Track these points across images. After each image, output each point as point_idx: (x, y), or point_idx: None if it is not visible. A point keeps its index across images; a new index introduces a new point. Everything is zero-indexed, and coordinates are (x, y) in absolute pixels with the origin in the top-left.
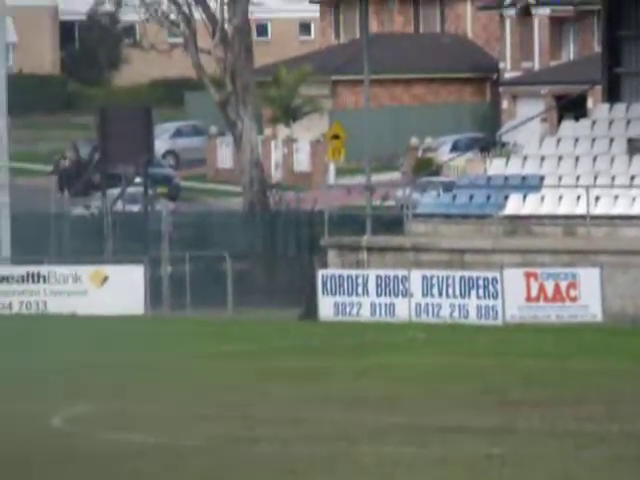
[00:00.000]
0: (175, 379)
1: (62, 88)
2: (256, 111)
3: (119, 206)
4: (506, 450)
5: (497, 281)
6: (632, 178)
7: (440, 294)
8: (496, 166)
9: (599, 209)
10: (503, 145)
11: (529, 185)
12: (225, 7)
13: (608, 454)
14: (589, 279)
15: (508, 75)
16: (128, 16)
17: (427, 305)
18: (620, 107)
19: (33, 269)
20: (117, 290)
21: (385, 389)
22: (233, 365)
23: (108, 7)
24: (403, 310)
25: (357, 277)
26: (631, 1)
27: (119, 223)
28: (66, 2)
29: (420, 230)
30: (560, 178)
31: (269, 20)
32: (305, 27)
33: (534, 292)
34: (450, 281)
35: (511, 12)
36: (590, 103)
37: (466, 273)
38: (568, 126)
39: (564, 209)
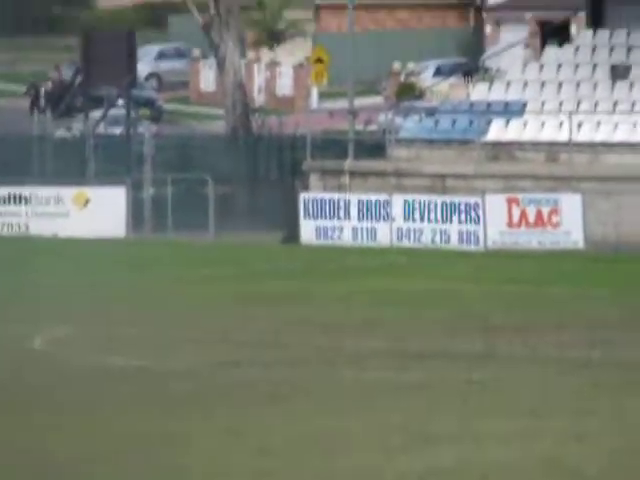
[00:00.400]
0: (157, 302)
1: (45, 10)
2: (239, 34)
3: (101, 128)
4: (486, 375)
5: (479, 206)
6: (615, 104)
7: (422, 219)
8: (479, 91)
9: (582, 135)
10: (486, 70)
11: (512, 110)
12: None
13: (589, 380)
14: (571, 205)
15: (492, 0)
16: None
17: (409, 230)
18: (604, 33)
19: (15, 190)
20: (99, 212)
21: (366, 313)
22: (215, 289)
23: None
24: (384, 234)
25: (339, 201)
26: None
27: (101, 145)
28: None
29: (402, 155)
30: (543, 104)
31: None
32: None
33: (516, 218)
34: (432, 206)
35: None
36: (574, 29)
37: (448, 198)
38: (551, 52)
39: (546, 135)
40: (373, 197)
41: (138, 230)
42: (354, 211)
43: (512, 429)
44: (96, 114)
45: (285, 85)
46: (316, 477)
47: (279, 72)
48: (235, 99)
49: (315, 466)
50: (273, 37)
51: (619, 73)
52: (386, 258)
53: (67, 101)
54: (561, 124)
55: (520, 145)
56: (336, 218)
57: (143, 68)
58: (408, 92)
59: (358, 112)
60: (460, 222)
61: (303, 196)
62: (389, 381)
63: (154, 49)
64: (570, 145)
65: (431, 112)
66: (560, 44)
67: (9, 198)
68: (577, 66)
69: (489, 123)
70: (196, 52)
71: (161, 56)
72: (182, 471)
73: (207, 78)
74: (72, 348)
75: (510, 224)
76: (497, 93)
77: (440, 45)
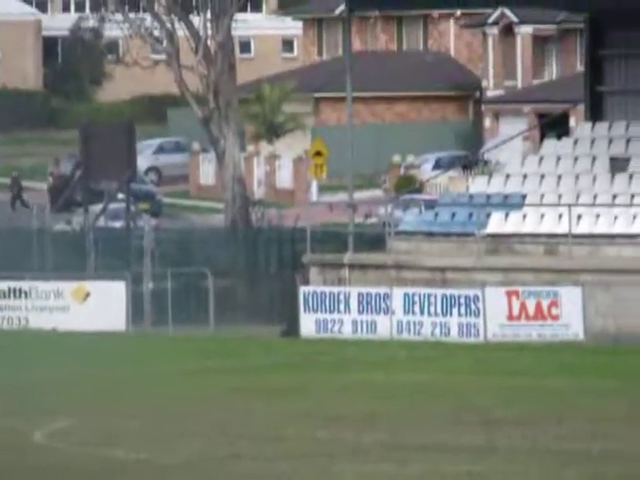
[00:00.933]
0: (156, 395)
1: (45, 104)
2: (239, 128)
3: (101, 222)
4: (487, 468)
5: (479, 299)
6: (614, 197)
7: (422, 312)
8: (478, 184)
9: (581, 228)
10: (485, 163)
11: (511, 203)
12: (208, 24)
13: (589, 473)
14: (571, 298)
15: (491, 93)
16: (111, 32)
17: (409, 323)
18: (602, 126)
19: (15, 284)
20: (99, 306)
21: (366, 406)
22: (214, 382)
23: (91, 23)
24: (384, 327)
25: (339, 294)
26: (613, 20)
27: (101, 239)
28: (49, 18)
29: (402, 248)
30: (542, 196)
31: (252, 37)
32: (288, 44)
33: (516, 310)
34: (432, 299)
35: (494, 30)
36: (572, 122)
37: (448, 291)
38: (550, 144)
39: (546, 227)
40: (373, 290)
41: (138, 324)
42: (354, 304)
43: None
44: (96, 208)
45: (285, 178)
46: None
47: (278, 165)
48: (235, 192)
49: None
50: (272, 130)
51: (618, 165)
52: (386, 351)
53: (67, 195)
54: (560, 216)
55: (520, 238)
56: (336, 311)
57: (143, 162)
58: (407, 185)
59: (358, 205)
60: (460, 315)
61: (303, 289)
62: (389, 474)
63: (154, 143)
64: (569, 237)
65: (431, 205)
66: (559, 137)
67: (9, 292)
68: (576, 159)
69: (488, 216)
70: (196, 146)
71: (161, 150)
72: None
73: (207, 172)
74: (72, 441)
75: (510, 317)
76: (496, 186)
77: (439, 138)
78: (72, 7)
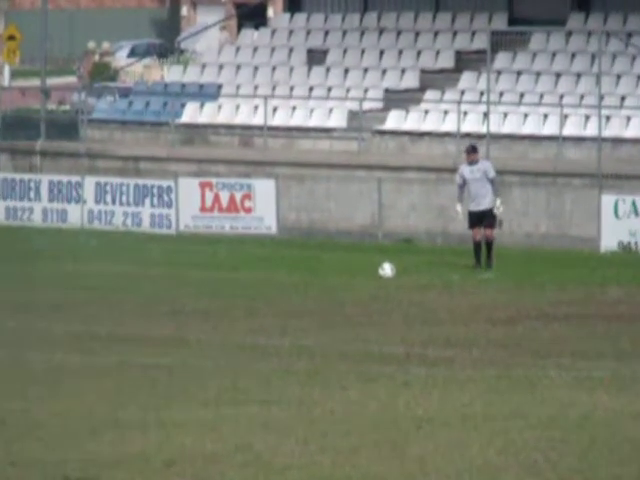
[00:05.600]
0: None
1: None
2: None
3: None
4: (176, 361)
5: (172, 190)
6: (310, 89)
7: (114, 201)
8: (174, 73)
9: (277, 120)
10: (181, 52)
11: (206, 93)
12: None
13: (279, 367)
14: (264, 190)
15: None
16: None
17: (100, 212)
18: (301, 17)
19: None
20: None
21: (56, 296)
22: None
23: None
24: (75, 216)
25: (29, 181)
26: None
27: None
28: None
29: (95, 136)
30: (238, 87)
31: None
32: None
33: (208, 202)
34: (124, 189)
35: None
36: (271, 12)
37: (140, 181)
38: (247, 35)
39: (241, 119)
40: (64, 178)
41: None
42: (45, 192)
43: (201, 416)
44: None
45: None
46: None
47: None
48: None
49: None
50: None
51: (315, 58)
52: (77, 240)
53: None
54: (256, 108)
55: (214, 128)
56: (26, 199)
57: None
58: (102, 72)
59: (51, 91)
60: (152, 205)
61: None
62: (78, 365)
63: None
64: (265, 129)
65: (125, 93)
66: (257, 27)
67: None
68: (273, 50)
69: (183, 106)
70: None
71: None
72: None
73: None
74: None
75: (203, 208)
76: (192, 75)
77: (135, 25)
78: None
